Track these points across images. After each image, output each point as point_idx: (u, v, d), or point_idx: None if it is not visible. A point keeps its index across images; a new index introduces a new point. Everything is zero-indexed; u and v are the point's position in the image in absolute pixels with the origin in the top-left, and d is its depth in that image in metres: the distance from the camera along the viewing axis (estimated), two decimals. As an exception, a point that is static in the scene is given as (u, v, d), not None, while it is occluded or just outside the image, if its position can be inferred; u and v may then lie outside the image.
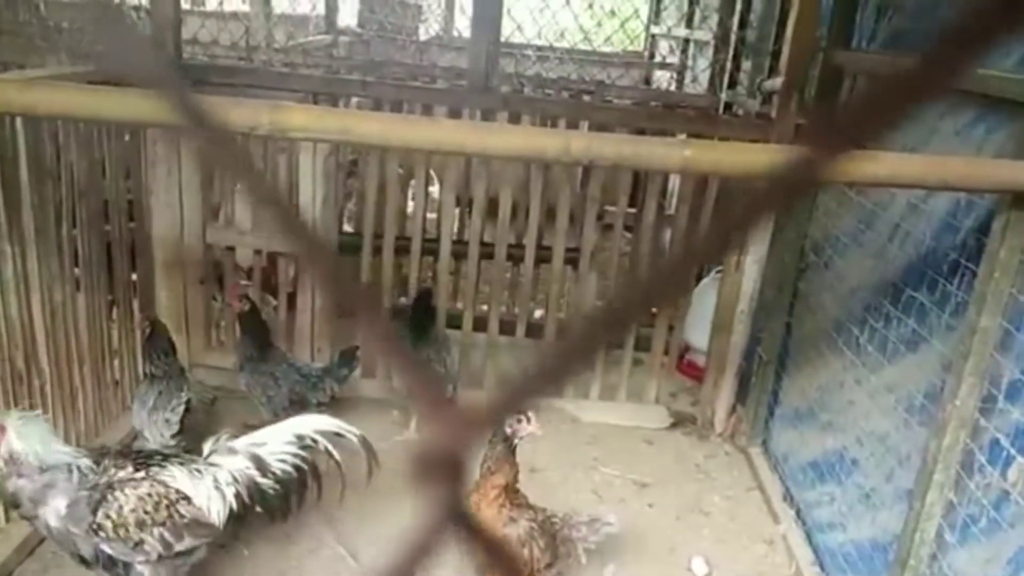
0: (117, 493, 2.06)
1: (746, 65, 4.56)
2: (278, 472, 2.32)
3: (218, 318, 3.92)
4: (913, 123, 2.74)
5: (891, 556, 2.41)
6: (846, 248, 3.08)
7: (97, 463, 2.11)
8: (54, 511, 2.04)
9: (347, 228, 4.54)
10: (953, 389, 2.06)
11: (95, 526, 2.04)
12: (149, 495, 2.10)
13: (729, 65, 4.40)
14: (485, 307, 4.02)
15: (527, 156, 2.14)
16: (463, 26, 7.56)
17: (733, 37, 4.35)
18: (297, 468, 2.38)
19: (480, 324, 3.90)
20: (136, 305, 3.44)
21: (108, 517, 2.04)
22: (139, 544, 2.09)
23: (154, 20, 3.35)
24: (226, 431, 2.45)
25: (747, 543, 3.11)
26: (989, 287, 1.96)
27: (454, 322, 3.89)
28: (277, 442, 2.39)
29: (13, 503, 2.12)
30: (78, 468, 2.08)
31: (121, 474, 2.09)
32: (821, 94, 3.28)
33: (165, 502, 2.13)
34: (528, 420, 2.36)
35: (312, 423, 2.49)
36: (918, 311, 2.44)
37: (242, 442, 2.33)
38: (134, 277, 3.43)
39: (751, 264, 3.54)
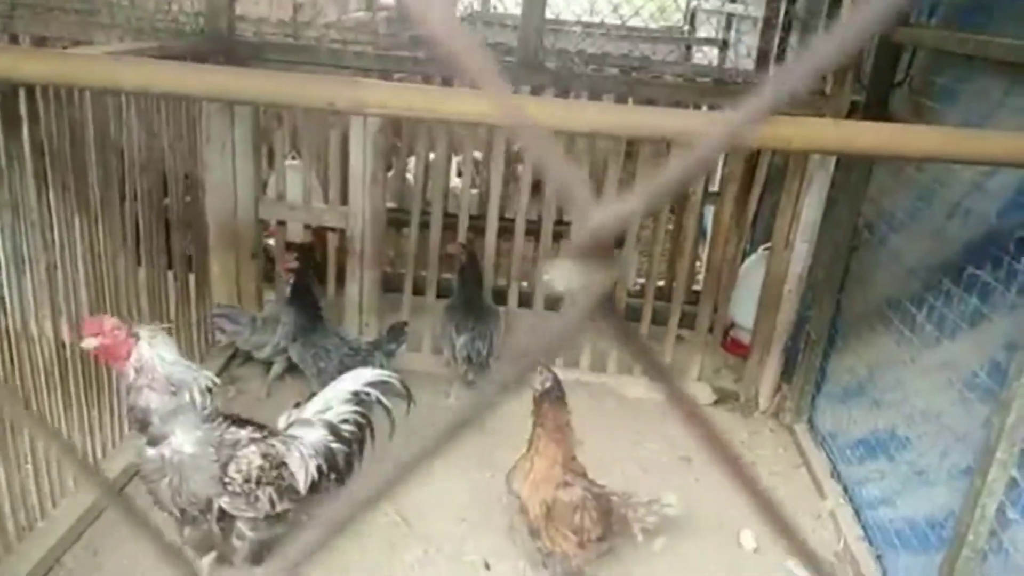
0: (245, 450, 2.14)
1: (794, 40, 4.50)
2: (347, 434, 2.39)
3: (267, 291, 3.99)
4: (972, 97, 2.71)
5: (946, 532, 2.42)
6: (902, 225, 3.05)
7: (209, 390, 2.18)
8: (184, 443, 2.10)
9: (390, 204, 4.59)
10: (1020, 366, 2.05)
11: (226, 480, 2.13)
12: (267, 455, 2.18)
13: (777, 40, 4.35)
14: (526, 284, 4.05)
15: (610, 132, 2.15)
16: (498, 1, 7.53)
17: (782, 11, 4.29)
18: (359, 425, 2.45)
19: (525, 300, 3.93)
20: (192, 279, 3.51)
21: (239, 471, 2.12)
22: (254, 501, 2.17)
23: (209, -2, 3.38)
24: (296, 403, 2.52)
25: (794, 518, 3.12)
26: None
27: (499, 298, 3.92)
28: (339, 404, 2.46)
29: (141, 423, 2.13)
30: (199, 391, 2.14)
31: (244, 433, 2.17)
32: (878, 70, 3.24)
33: (277, 463, 2.21)
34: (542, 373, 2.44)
35: (360, 378, 2.58)
36: (981, 288, 2.42)
37: (311, 410, 2.40)
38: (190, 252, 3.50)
39: (801, 242, 3.52)
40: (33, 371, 2.46)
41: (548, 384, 2.45)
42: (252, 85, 1.81)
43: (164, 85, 1.83)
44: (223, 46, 3.36)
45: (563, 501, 2.43)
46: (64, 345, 2.60)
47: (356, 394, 2.52)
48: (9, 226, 2.30)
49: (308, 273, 3.59)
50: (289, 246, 3.88)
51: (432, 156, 3.83)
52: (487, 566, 2.74)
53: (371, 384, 2.56)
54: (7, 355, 2.34)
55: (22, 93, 2.26)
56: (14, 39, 3.68)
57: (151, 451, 2.12)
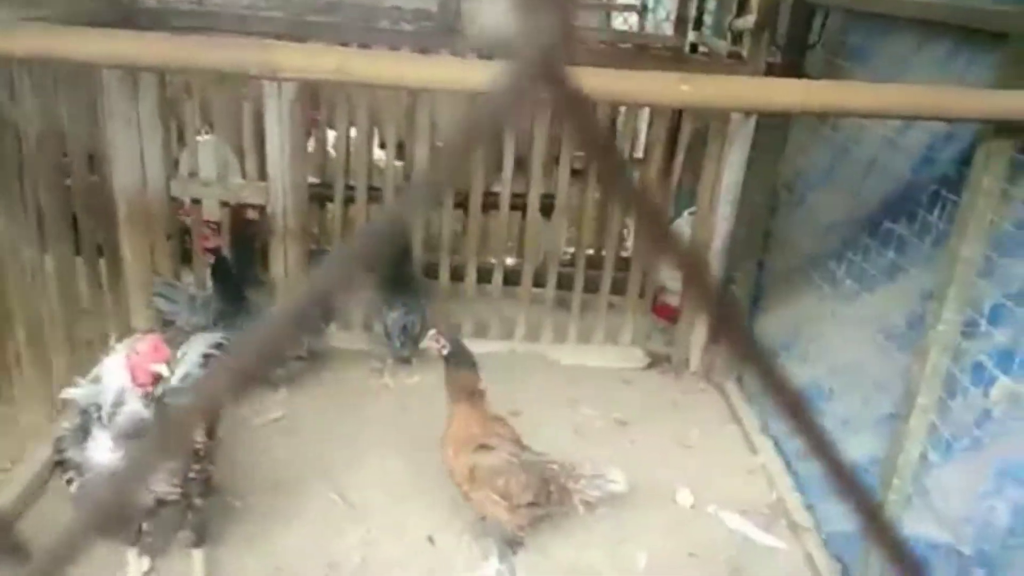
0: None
1: (711, 5, 4.54)
2: None
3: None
4: (883, 56, 2.78)
5: (872, 479, 2.53)
6: (819, 184, 3.13)
7: None
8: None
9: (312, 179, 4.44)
10: (936, 315, 2.13)
11: None
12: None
13: (695, 4, 4.38)
14: (458, 256, 4.00)
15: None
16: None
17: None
18: None
19: (457, 274, 3.89)
20: (103, 264, 3.32)
21: None
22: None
23: (104, -39, 3.17)
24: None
25: (728, 474, 3.22)
26: (972, 215, 2.03)
27: (432, 272, 3.87)
28: (198, 370, 2.43)
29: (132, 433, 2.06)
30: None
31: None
32: (792, 32, 3.29)
33: None
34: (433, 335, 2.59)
35: (208, 340, 2.59)
36: (897, 242, 2.51)
37: (176, 379, 2.33)
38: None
39: (724, 203, 3.58)
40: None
41: (446, 350, 2.50)
42: (158, 50, 1.69)
43: (61, 51, 1.70)
44: (124, 13, 3.15)
45: (483, 465, 2.43)
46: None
47: (207, 357, 2.47)
48: None
49: (248, 250, 3.49)
50: (208, 225, 3.72)
51: (353, 129, 3.72)
52: (431, 540, 2.72)
53: (218, 346, 2.55)
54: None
55: None
56: None
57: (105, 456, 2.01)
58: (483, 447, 2.45)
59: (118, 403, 2.00)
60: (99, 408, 2.01)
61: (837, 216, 2.96)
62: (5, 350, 2.62)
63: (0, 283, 2.57)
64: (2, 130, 2.54)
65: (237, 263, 3.49)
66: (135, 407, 2.00)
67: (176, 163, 3.64)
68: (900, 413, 2.30)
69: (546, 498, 2.50)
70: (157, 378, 2.02)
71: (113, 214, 3.39)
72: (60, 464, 2.09)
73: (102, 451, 2.01)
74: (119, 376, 2.01)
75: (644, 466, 3.18)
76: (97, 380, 2.07)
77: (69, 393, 2.10)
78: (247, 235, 3.51)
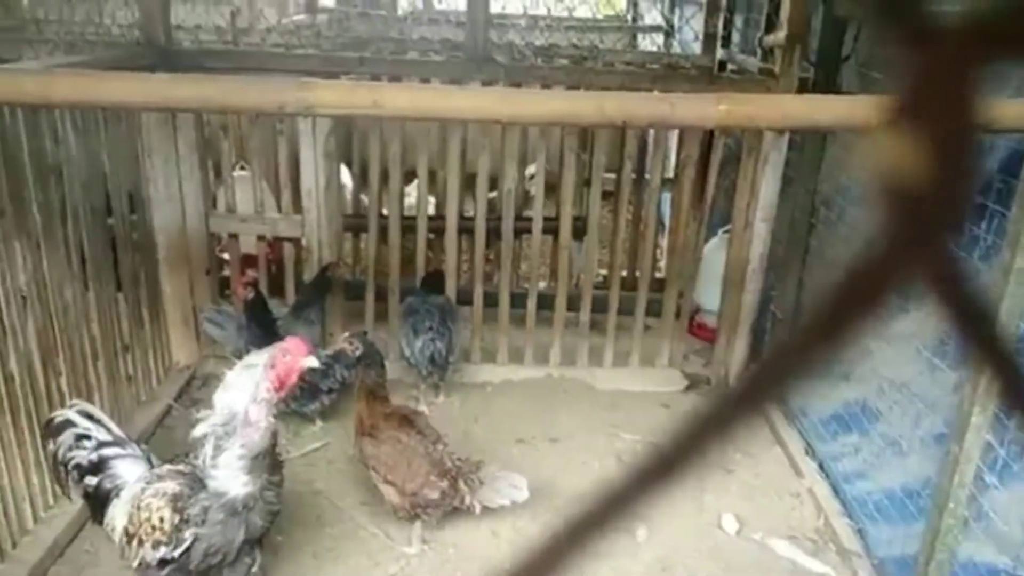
0: None
1: (738, 22, 4.52)
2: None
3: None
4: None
5: (923, 502, 2.45)
6: (859, 199, 3.07)
7: None
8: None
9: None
10: (987, 331, 2.06)
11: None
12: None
13: (721, 22, 4.36)
14: (494, 281, 4.00)
15: (562, 120, 2.11)
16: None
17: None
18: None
19: (491, 299, 3.88)
20: (144, 298, 3.38)
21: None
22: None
23: (142, 7, 3.26)
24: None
25: (774, 498, 3.14)
26: (1023, 227, 1.96)
27: (465, 298, 3.86)
28: None
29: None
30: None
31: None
32: (824, 46, 3.26)
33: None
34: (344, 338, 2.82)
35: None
36: (942, 257, 2.44)
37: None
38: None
39: (760, 222, 3.53)
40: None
41: (359, 351, 2.74)
42: (195, 92, 1.73)
43: (101, 97, 1.74)
44: (160, 56, 3.24)
45: (367, 453, 2.72)
46: (13, 378, 2.47)
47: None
48: (-57, 257, 2.17)
49: (325, 291, 3.56)
50: (246, 259, 3.77)
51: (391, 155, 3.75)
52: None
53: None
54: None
55: (-53, 116, 2.14)
56: (-64, 60, 3.50)
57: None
58: (370, 436, 2.71)
59: (246, 422, 2.03)
60: (227, 433, 2.04)
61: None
62: (49, 386, 2.67)
63: (44, 320, 2.62)
64: (46, 173, 2.61)
65: (307, 303, 3.52)
66: (264, 422, 2.04)
67: (214, 199, 3.70)
68: (952, 433, 2.22)
69: (440, 492, 2.66)
70: (302, 375, 2.13)
71: (153, 251, 3.46)
72: (184, 522, 2.05)
73: (234, 482, 2.04)
74: (245, 392, 2.03)
75: (687, 492, 3.12)
76: (214, 406, 2.11)
77: (200, 430, 2.11)
78: (326, 279, 3.55)
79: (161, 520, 2.03)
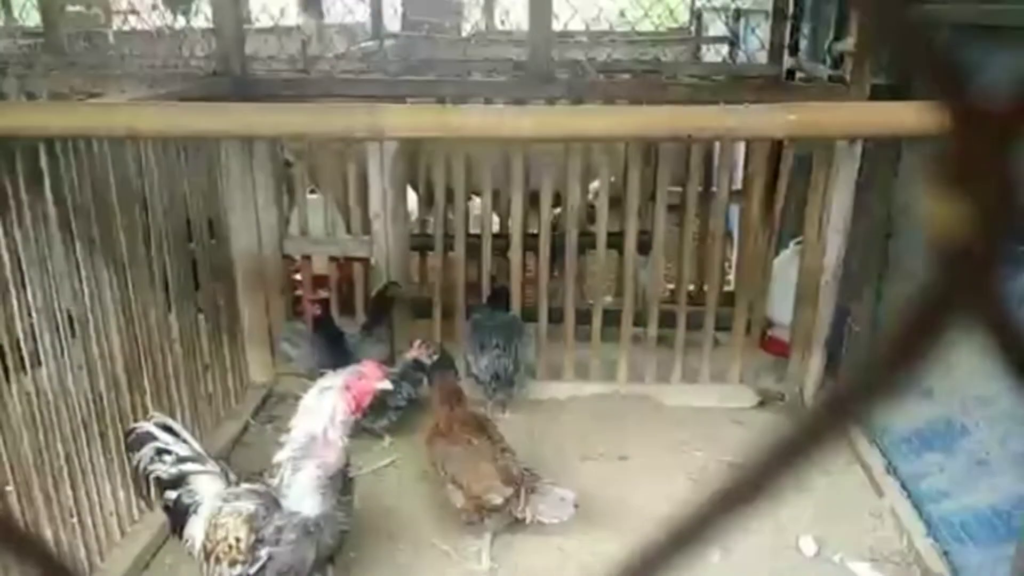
0: None
1: (806, 30, 4.43)
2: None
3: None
4: (999, 70, 2.63)
5: (1015, 521, 2.32)
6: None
7: None
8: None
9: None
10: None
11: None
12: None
13: (788, 30, 4.28)
14: (559, 297, 3.99)
15: (627, 135, 2.12)
16: (499, 20, 7.54)
17: (792, 1, 4.23)
18: None
19: (556, 315, 3.88)
20: (222, 319, 3.51)
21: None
22: None
23: (218, 39, 3.41)
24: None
25: (853, 519, 3.03)
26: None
27: (530, 315, 3.87)
28: None
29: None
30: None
31: None
32: (898, 51, 3.16)
33: None
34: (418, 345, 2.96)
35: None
36: (1030, 266, 2.33)
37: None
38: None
39: (833, 232, 3.44)
40: (72, 427, 2.46)
41: (436, 356, 2.88)
42: (272, 120, 1.80)
43: (183, 127, 1.83)
44: (237, 86, 3.38)
45: (438, 452, 2.78)
46: (101, 397, 2.60)
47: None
48: (39, 282, 2.30)
49: (387, 309, 3.63)
50: (316, 279, 3.88)
51: (453, 174, 3.81)
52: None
53: None
54: (44, 412, 2.34)
55: (42, 148, 2.28)
56: (31, 96, 3.74)
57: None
58: (443, 436, 2.78)
59: (324, 443, 2.09)
60: (304, 456, 2.11)
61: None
62: (135, 405, 2.79)
63: (130, 342, 2.75)
64: (132, 200, 2.75)
65: (373, 322, 3.60)
66: (339, 443, 2.11)
67: (287, 222, 3.83)
68: (1046, 452, 2.10)
69: (504, 499, 2.65)
70: (376, 397, 2.21)
71: (231, 273, 3.59)
72: (259, 542, 2.10)
73: (308, 502, 2.11)
74: (322, 415, 2.11)
75: (762, 512, 3.04)
76: (292, 430, 2.18)
77: (281, 455, 2.18)
78: (386, 297, 3.63)
79: (237, 540, 2.09)
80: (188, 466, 2.33)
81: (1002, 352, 0.29)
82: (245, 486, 2.24)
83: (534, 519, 2.70)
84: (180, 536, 2.32)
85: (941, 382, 2.88)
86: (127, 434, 2.47)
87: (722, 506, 0.32)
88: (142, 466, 2.36)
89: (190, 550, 2.26)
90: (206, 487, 2.29)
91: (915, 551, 2.78)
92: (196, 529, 2.23)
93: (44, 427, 2.34)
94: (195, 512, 2.25)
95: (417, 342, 2.87)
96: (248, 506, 2.13)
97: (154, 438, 2.37)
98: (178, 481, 2.31)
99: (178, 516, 2.30)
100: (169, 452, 2.35)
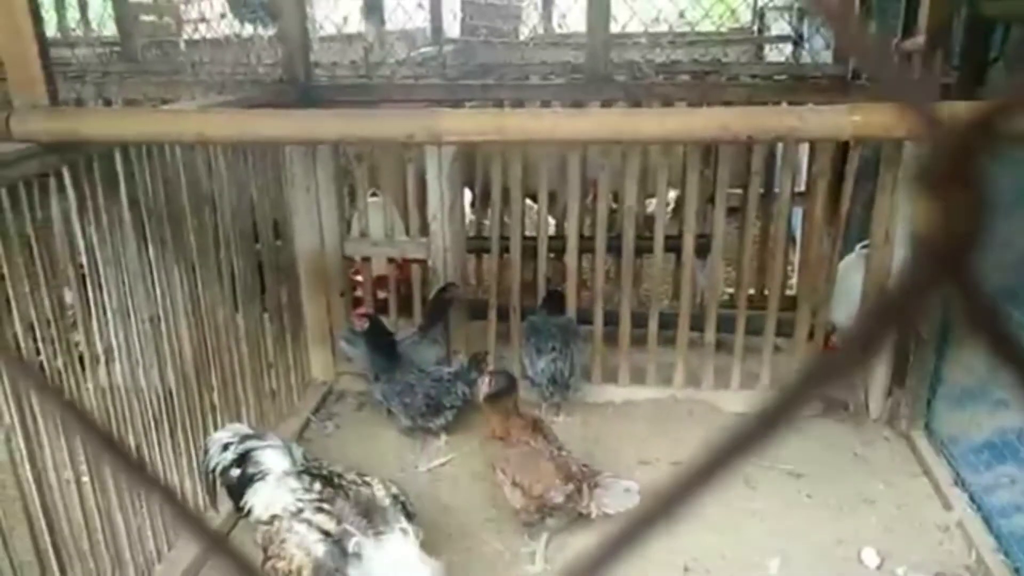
0: None
1: (874, 27, 4.31)
2: None
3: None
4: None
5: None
6: (1012, 209, 2.85)
7: None
8: None
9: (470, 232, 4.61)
10: None
11: None
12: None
13: (855, 30, 4.17)
14: (615, 300, 3.98)
15: (682, 138, 2.10)
16: (557, 23, 7.54)
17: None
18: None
19: (611, 319, 3.86)
20: (286, 318, 3.61)
21: None
22: None
23: (284, 47, 3.51)
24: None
25: (919, 532, 2.94)
26: None
27: (585, 317, 3.87)
28: None
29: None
30: None
31: None
32: (969, 48, 3.06)
33: None
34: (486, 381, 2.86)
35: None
36: (1112, 272, 2.22)
37: None
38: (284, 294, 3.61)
39: (901, 236, 3.33)
40: (143, 421, 2.56)
41: (497, 390, 2.82)
42: (334, 126, 1.85)
43: (251, 133, 1.90)
44: (301, 92, 3.47)
45: (498, 455, 2.82)
46: (172, 394, 2.70)
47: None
48: (114, 281, 2.41)
49: (444, 311, 3.67)
50: (377, 280, 3.96)
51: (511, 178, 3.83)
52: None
53: None
54: (117, 406, 2.45)
55: (117, 153, 2.38)
56: (107, 103, 3.91)
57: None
58: (502, 440, 2.81)
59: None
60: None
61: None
62: (203, 401, 2.89)
63: (199, 340, 2.85)
64: (201, 203, 2.85)
65: (430, 323, 3.66)
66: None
67: (348, 225, 3.91)
68: None
69: (565, 495, 2.69)
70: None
71: (295, 274, 3.69)
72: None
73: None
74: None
75: (823, 522, 2.98)
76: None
77: (384, 498, 2.24)
78: (444, 299, 3.68)
79: (299, 571, 2.13)
80: (250, 443, 2.45)
81: (973, 331, 0.32)
82: (317, 498, 2.24)
83: (600, 512, 2.72)
84: (238, 508, 2.41)
85: (1013, 392, 2.77)
86: (202, 451, 2.60)
87: (734, 446, 0.35)
88: (209, 464, 2.47)
89: (247, 517, 2.37)
90: (271, 460, 2.41)
91: (984, 566, 2.68)
92: (259, 499, 2.32)
93: (117, 420, 2.44)
94: (262, 479, 2.36)
95: (484, 379, 2.88)
96: (318, 546, 2.12)
97: (215, 442, 2.49)
98: (243, 458, 2.44)
99: (241, 487, 2.40)
100: (231, 443, 2.46)
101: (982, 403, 2.99)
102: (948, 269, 0.30)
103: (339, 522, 2.16)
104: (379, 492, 2.28)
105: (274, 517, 2.26)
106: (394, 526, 2.15)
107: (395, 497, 2.29)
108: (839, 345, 0.34)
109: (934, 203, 0.29)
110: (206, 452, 2.54)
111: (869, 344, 0.32)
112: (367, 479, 2.34)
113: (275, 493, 2.33)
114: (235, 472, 2.42)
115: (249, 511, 2.37)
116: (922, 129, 0.29)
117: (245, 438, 2.49)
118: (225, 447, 2.49)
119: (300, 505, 2.25)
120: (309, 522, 2.19)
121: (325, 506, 2.22)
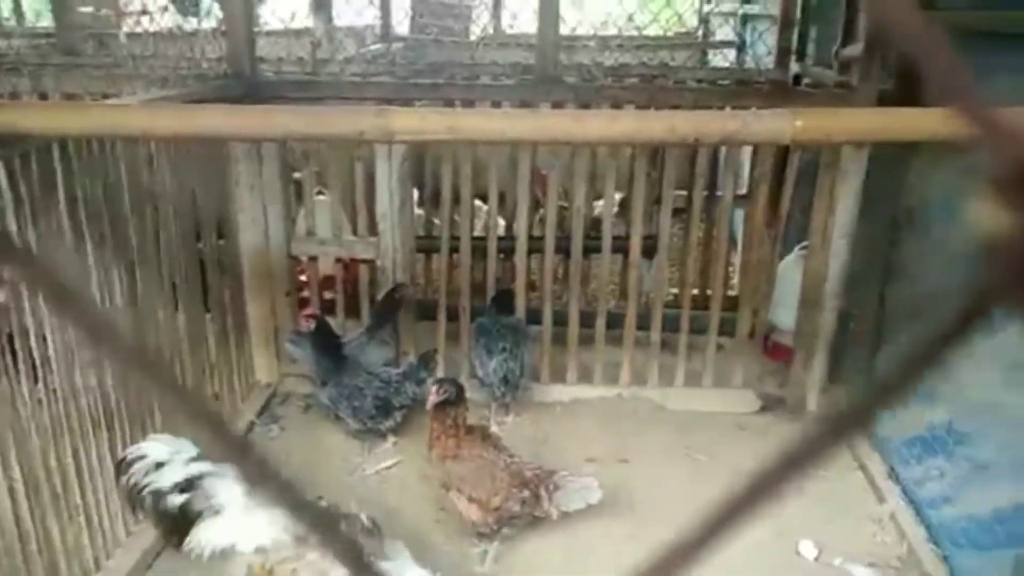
0: None
1: (813, 34, 4.45)
2: None
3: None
4: (1008, 74, 2.64)
5: (1016, 527, 2.33)
6: (946, 213, 2.97)
7: None
8: None
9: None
10: (1082, 352, 1.96)
11: None
12: None
13: (796, 35, 4.30)
14: (563, 300, 4.02)
15: (632, 140, 2.14)
16: (507, 24, 7.57)
17: (799, 6, 4.24)
18: None
19: (560, 318, 3.90)
20: (229, 319, 3.54)
21: None
22: None
23: (229, 41, 3.44)
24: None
25: (854, 523, 3.04)
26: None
27: (534, 317, 3.89)
28: None
29: None
30: None
31: None
32: (906, 56, 3.17)
33: None
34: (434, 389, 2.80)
35: None
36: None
37: None
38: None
39: (838, 239, 3.44)
40: (80, 424, 2.48)
41: (447, 396, 2.78)
42: (284, 121, 1.83)
43: (198, 128, 1.86)
44: (246, 87, 3.41)
45: (449, 473, 2.79)
46: (109, 395, 2.62)
47: None
48: (50, 281, 2.33)
49: (394, 312, 3.63)
50: (325, 280, 3.91)
51: (457, 178, 3.84)
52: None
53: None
54: (54, 408, 2.37)
55: (55, 148, 2.31)
56: (43, 96, 3.78)
57: None
58: (453, 459, 2.77)
59: None
60: None
61: (966, 246, 2.79)
62: (141, 403, 2.82)
63: (139, 341, 2.78)
64: (142, 201, 2.78)
65: (378, 324, 3.62)
66: None
67: (294, 223, 3.86)
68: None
69: (521, 502, 2.70)
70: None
71: (239, 274, 3.62)
72: None
73: None
74: None
75: (764, 516, 3.05)
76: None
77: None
78: (394, 299, 3.65)
79: None
80: (198, 467, 2.31)
81: None
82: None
83: (560, 513, 2.73)
84: (179, 544, 2.25)
85: (943, 388, 2.89)
86: (117, 464, 2.44)
87: (735, 510, 0.35)
88: (137, 482, 2.33)
89: (199, 553, 2.23)
90: (226, 491, 2.25)
91: (915, 556, 2.80)
92: (215, 534, 2.19)
93: (53, 425, 2.36)
94: (216, 514, 2.22)
95: (432, 387, 2.82)
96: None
97: (143, 457, 2.36)
98: (186, 486, 2.29)
99: (186, 519, 2.26)
100: (167, 463, 2.33)
101: (914, 398, 3.11)
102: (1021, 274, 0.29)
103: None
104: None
105: (261, 548, 2.12)
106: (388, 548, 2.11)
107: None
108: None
109: (1008, 211, 0.28)
110: (129, 464, 2.36)
111: (947, 344, 0.33)
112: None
113: (248, 524, 2.17)
114: (176, 499, 2.25)
115: (202, 547, 2.20)
116: (987, 136, 0.29)
117: (191, 460, 2.31)
118: (158, 465, 2.34)
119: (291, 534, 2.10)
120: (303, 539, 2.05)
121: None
